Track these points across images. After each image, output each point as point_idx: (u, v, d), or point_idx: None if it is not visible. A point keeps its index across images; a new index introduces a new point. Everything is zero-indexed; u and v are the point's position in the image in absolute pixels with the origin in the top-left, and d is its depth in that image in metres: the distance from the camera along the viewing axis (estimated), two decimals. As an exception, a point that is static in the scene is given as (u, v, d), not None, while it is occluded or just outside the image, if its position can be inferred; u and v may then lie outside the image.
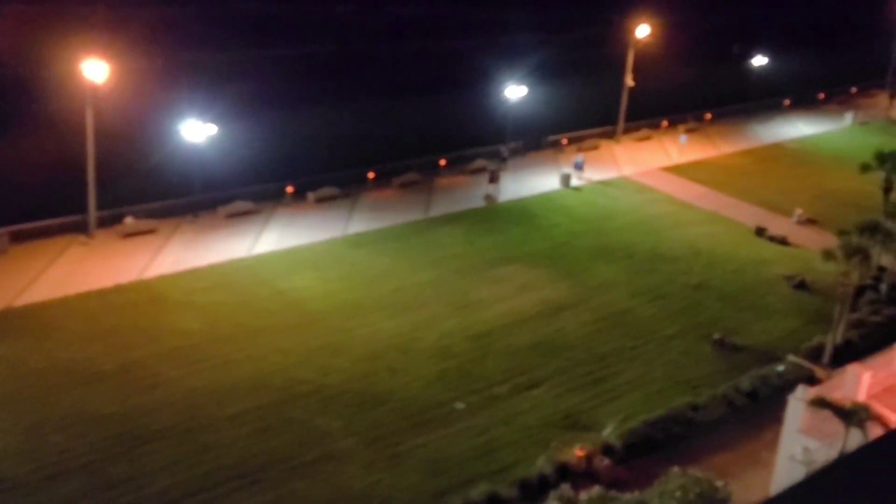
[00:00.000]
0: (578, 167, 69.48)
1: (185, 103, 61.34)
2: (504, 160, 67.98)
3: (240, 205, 59.54)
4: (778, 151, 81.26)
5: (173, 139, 58.94)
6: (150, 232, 55.57)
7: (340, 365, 43.38)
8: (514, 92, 71.44)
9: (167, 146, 60.87)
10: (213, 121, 58.27)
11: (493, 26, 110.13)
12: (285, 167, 65.18)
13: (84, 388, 40.04)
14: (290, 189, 62.00)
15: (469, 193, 65.72)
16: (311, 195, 62.29)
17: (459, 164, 70.20)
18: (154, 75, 78.70)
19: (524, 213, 63.15)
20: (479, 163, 70.02)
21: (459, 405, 40.89)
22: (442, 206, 62.97)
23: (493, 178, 66.71)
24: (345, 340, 45.48)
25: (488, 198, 64.47)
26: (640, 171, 72.61)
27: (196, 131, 57.30)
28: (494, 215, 62.39)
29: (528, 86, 72.96)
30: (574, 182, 68.42)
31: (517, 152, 73.36)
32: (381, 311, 48.35)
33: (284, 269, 52.27)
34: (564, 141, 76.68)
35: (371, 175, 65.68)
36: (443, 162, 69.58)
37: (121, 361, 42.01)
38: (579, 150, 75.75)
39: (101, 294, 47.90)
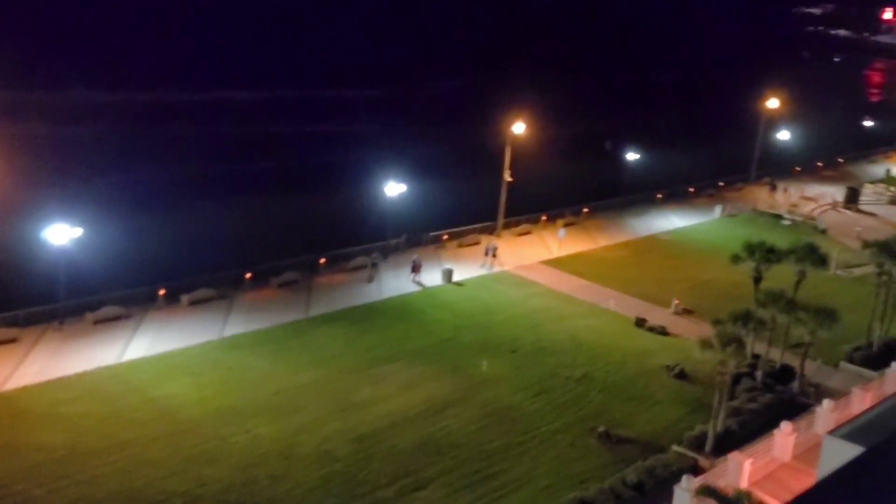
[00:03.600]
0: (491, 253, 72.23)
1: (49, 203, 59.72)
2: (375, 265, 68.42)
3: (109, 310, 57.64)
4: (653, 243, 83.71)
5: (37, 243, 57.05)
6: (12, 341, 53.26)
7: (216, 475, 41.81)
8: (394, 189, 72.22)
9: (30, 250, 58.93)
10: (81, 222, 56.79)
11: (371, 127, 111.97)
12: (157, 269, 63.79)
13: (-66, 513, 37.52)
14: (162, 292, 60.63)
15: (349, 291, 65.41)
16: (184, 298, 60.91)
17: (339, 262, 70.10)
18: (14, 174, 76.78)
19: (406, 309, 63.10)
20: (360, 260, 70.11)
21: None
22: (322, 305, 62.48)
23: (415, 268, 68.06)
24: (221, 448, 43.98)
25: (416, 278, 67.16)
26: (522, 265, 73.58)
27: (61, 234, 55.60)
28: (376, 313, 62.13)
29: (407, 183, 73.92)
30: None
31: (398, 249, 73.96)
32: (259, 415, 47.12)
33: (156, 376, 50.56)
34: (445, 236, 77.60)
35: (248, 276, 64.86)
36: (322, 260, 69.39)
37: (-24, 481, 39.70)
38: (460, 245, 76.87)
39: (-44, 409, 45.37)
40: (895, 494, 28.82)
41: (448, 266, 69.91)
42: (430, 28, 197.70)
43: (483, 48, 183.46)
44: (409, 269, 69.08)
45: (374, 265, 68.70)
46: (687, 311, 65.80)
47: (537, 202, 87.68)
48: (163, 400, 47.93)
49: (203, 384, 50.01)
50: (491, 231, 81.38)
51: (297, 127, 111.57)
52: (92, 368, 50.82)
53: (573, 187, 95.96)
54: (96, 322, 56.64)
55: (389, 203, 72.71)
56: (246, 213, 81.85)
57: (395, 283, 67.79)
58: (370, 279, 67.47)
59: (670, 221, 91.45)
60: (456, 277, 69.07)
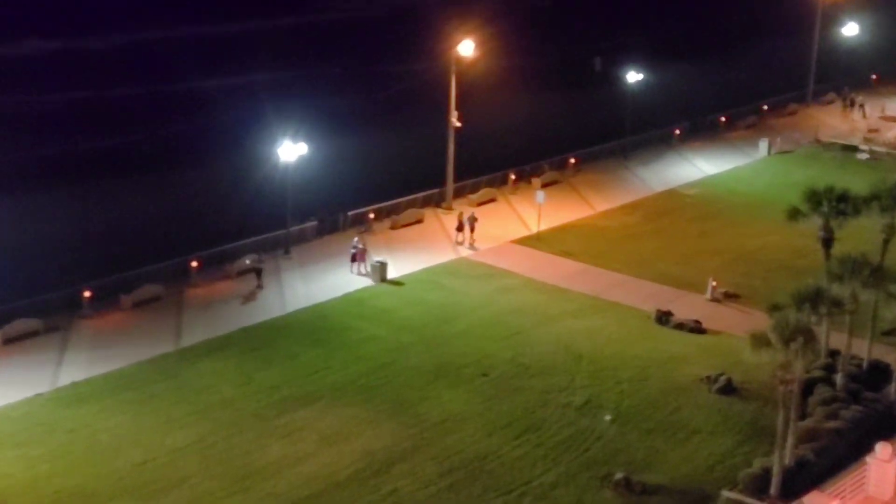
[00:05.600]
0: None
1: None
2: (258, 270, 68.06)
3: None
4: (673, 201, 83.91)
5: None
6: None
7: None
8: (291, 152, 71.68)
9: None
10: None
11: (259, 74, 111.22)
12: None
13: None
14: (-40, 329, 59.75)
15: (238, 305, 65.07)
16: (-6, 335, 60.10)
17: (220, 265, 69.67)
18: None
19: (323, 325, 62.71)
20: (251, 259, 69.58)
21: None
22: (200, 329, 61.92)
23: (357, 257, 69.43)
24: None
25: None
26: (486, 248, 73.54)
27: None
28: (280, 334, 61.66)
29: (313, 143, 73.60)
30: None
31: (305, 238, 73.82)
32: (120, 497, 46.39)
33: (-37, 452, 49.69)
34: (372, 215, 77.24)
35: (87, 294, 64.03)
36: (195, 264, 68.76)
37: None
38: (394, 226, 76.75)
39: None
40: None
41: (379, 258, 69.80)
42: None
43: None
44: (323, 265, 69.12)
45: (258, 270, 68.51)
46: (729, 296, 66.31)
47: (502, 156, 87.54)
48: (-26, 487, 47.08)
49: (34, 458, 48.94)
50: (438, 202, 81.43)
51: (151, 84, 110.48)
52: None
53: (552, 131, 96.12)
54: None
55: (289, 175, 72.29)
56: (81, 205, 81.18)
57: (304, 288, 67.45)
58: (259, 286, 67.45)
59: (696, 168, 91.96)
60: (393, 273, 68.92)
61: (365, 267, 69.36)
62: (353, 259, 69.75)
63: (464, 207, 78.06)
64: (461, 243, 74.31)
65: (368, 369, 57.72)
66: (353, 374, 57.18)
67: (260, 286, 67.59)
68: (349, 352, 59.57)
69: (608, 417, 52.83)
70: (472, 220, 74.88)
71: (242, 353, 59.27)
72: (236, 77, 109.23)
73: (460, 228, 74.75)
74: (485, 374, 57.30)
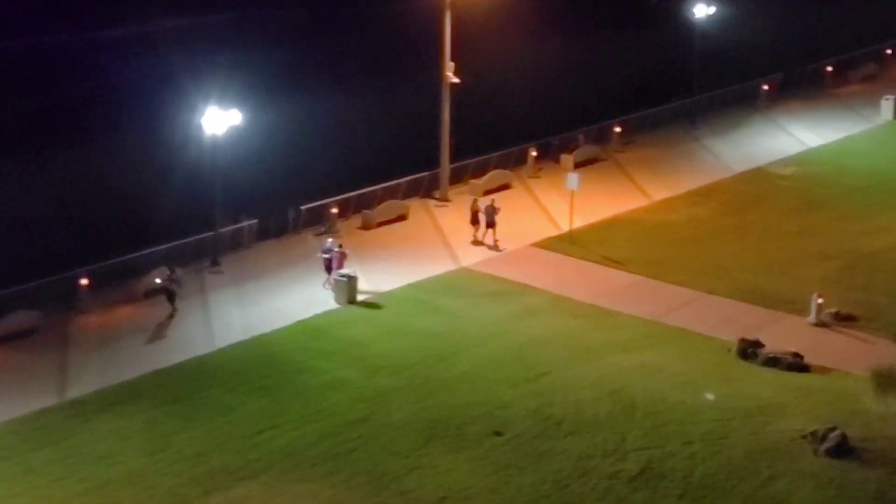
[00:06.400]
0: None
1: None
2: (170, 291, 67.69)
3: None
4: (761, 185, 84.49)
5: None
6: None
7: None
8: (219, 122, 71.45)
9: None
10: None
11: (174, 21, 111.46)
12: None
13: None
14: None
15: (146, 341, 65.06)
16: None
17: (121, 282, 69.86)
18: None
19: (267, 366, 62.72)
20: (163, 275, 69.36)
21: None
22: (94, 374, 61.96)
23: (333, 265, 69.55)
24: None
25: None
26: (499, 255, 74.13)
27: None
28: (205, 379, 61.57)
29: (251, 109, 74.09)
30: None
31: (241, 244, 74.14)
32: None
33: None
34: (334, 209, 77.39)
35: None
36: (85, 282, 68.86)
37: None
38: (366, 225, 76.91)
39: None
40: None
41: (345, 271, 69.72)
42: None
43: None
44: (267, 281, 69.70)
45: (169, 291, 68.51)
46: (842, 318, 66.47)
47: (519, 124, 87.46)
48: None
49: None
50: (428, 190, 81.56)
51: (18, 37, 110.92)
52: None
53: (590, 89, 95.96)
54: None
55: (218, 155, 72.18)
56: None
57: (239, 314, 67.71)
58: (174, 312, 67.69)
59: (792, 138, 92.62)
60: (366, 290, 68.95)
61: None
62: (329, 269, 69.82)
63: (479, 195, 78.31)
64: (480, 242, 74.55)
65: (334, 428, 57.25)
66: (311, 434, 56.75)
67: (174, 312, 67.71)
68: (306, 403, 59.28)
69: (711, 396, 52.83)
70: (492, 209, 75.24)
71: (154, 408, 58.96)
72: (142, 23, 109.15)
73: (475, 221, 75.72)
74: (498, 433, 56.79)
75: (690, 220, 78.72)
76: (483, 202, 76.32)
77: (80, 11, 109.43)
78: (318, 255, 70.22)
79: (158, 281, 69.22)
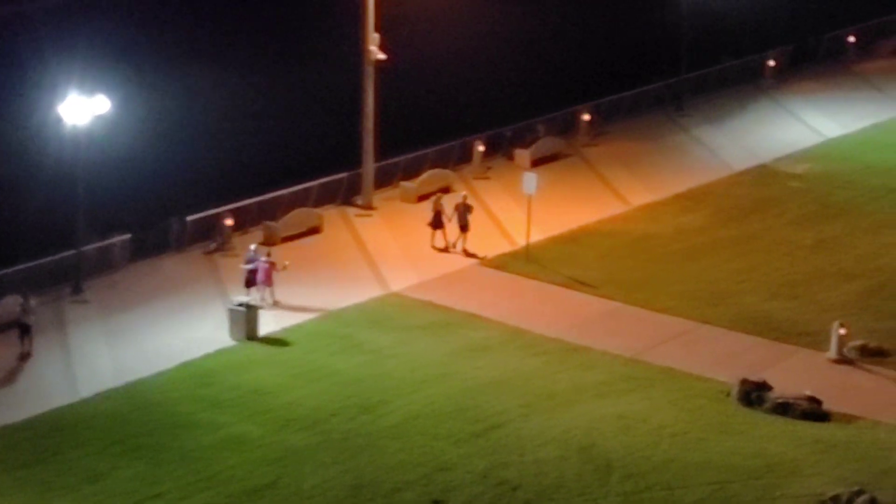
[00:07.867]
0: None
1: None
2: (25, 326, 67.20)
3: None
4: (767, 188, 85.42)
5: None
6: None
7: None
8: (82, 110, 70.37)
9: None
10: None
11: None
12: None
13: None
14: None
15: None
16: None
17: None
18: None
19: (146, 420, 60.97)
20: (10, 308, 67.67)
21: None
22: None
23: (254, 280, 70.47)
24: None
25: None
26: (438, 276, 74.57)
27: None
28: (66, 437, 59.35)
29: (122, 95, 74.24)
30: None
31: (112, 265, 74.05)
32: None
33: None
34: (229, 222, 76.19)
35: None
36: None
37: None
38: (268, 240, 76.26)
39: None
40: None
41: (243, 298, 69.12)
42: None
43: None
44: (143, 311, 69.60)
45: (23, 325, 67.33)
46: (870, 353, 65.32)
47: (462, 111, 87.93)
48: None
49: None
50: (347, 196, 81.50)
51: None
52: None
53: (552, 65, 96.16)
54: None
55: (80, 152, 70.86)
56: None
57: (109, 354, 66.53)
58: (25, 353, 66.51)
59: (805, 126, 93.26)
60: (269, 323, 68.35)
61: (272, 294, 70.20)
62: (250, 283, 70.10)
63: (412, 200, 78.30)
64: (447, 250, 75.44)
65: (229, 499, 55.40)
66: (199, 510, 55.58)
67: (27, 352, 66.06)
68: (195, 468, 56.86)
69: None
70: (464, 208, 76.43)
71: (2, 474, 58.12)
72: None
73: (438, 225, 75.32)
74: (438, 503, 57.10)
75: (679, 231, 77.77)
76: (450, 200, 75.70)
77: None
78: (241, 266, 69.93)
79: (4, 314, 68.81)
